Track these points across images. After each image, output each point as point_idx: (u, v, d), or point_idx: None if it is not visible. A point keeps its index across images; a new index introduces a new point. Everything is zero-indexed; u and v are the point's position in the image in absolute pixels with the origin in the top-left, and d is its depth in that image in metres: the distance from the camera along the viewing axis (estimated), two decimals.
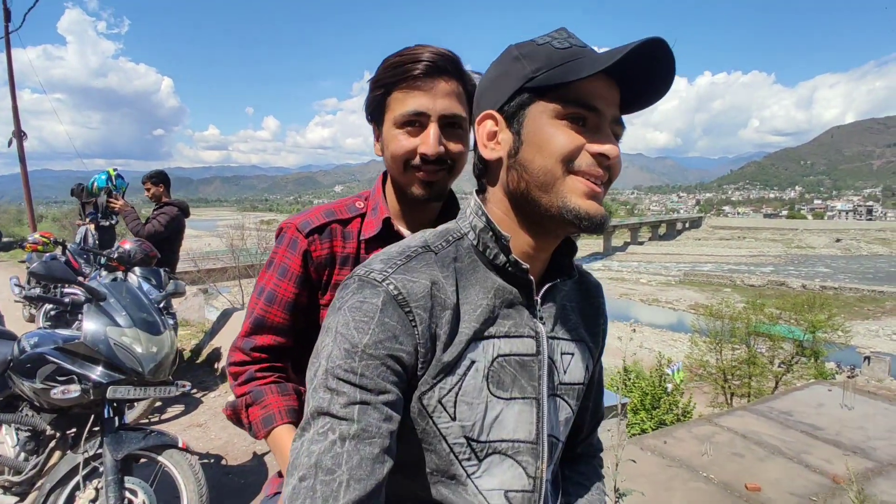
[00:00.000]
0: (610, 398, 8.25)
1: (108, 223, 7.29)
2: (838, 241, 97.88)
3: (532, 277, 0.72)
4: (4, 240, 5.09)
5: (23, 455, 2.32)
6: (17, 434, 2.37)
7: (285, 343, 1.03)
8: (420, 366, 0.65)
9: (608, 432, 7.02)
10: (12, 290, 6.63)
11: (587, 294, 0.86)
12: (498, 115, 0.71)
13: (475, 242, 0.73)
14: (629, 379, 12.55)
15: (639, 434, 9.46)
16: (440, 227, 0.77)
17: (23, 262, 7.12)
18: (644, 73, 0.64)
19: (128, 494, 2.15)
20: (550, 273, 0.77)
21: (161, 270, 4.14)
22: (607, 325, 0.89)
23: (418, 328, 0.64)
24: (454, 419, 0.66)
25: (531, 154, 0.67)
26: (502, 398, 0.69)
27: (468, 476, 0.68)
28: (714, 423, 4.48)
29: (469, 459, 0.68)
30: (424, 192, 0.96)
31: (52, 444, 2.28)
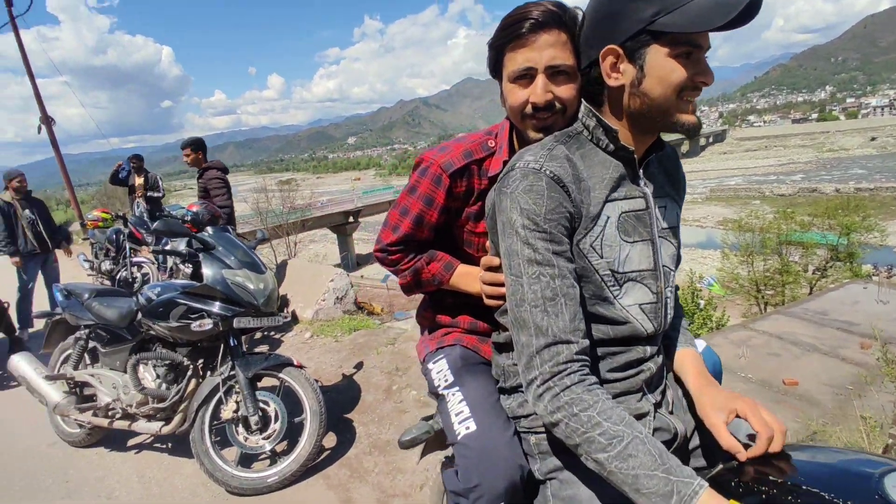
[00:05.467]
0: None
1: (157, 195, 7.74)
2: (873, 139, 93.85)
3: (636, 156, 1.00)
4: (60, 229, 5.64)
5: (164, 385, 2.76)
6: (154, 369, 2.81)
7: (426, 246, 1.35)
8: (575, 222, 0.94)
9: None
10: (81, 265, 7.17)
11: (668, 160, 1.12)
12: (619, 49, 0.90)
13: (589, 136, 1.00)
14: None
15: None
16: (556, 133, 1.04)
17: (86, 239, 7.61)
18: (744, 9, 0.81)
19: (261, 405, 2.60)
20: (646, 152, 1.04)
21: (229, 228, 4.52)
22: (685, 181, 1.17)
23: (571, 196, 0.92)
24: (602, 257, 0.95)
25: (652, 85, 0.89)
26: (628, 241, 0.98)
27: (614, 297, 0.98)
28: (749, 327, 4.59)
29: (613, 286, 0.97)
30: (540, 135, 1.09)
31: (189, 373, 2.71)
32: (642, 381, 1.01)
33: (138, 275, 6.55)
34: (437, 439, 1.53)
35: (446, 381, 1.28)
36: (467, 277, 1.29)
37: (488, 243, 1.16)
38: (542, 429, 1.07)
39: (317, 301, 4.97)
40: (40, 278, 5.63)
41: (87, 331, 3.01)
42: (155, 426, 2.75)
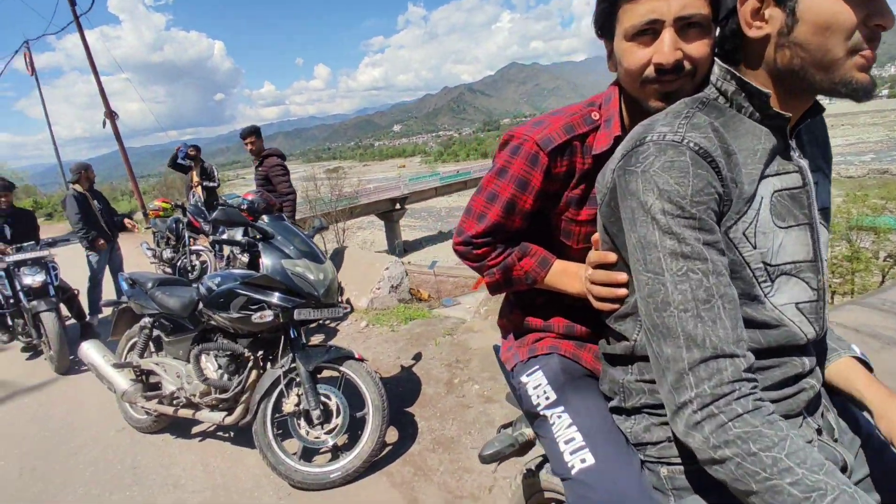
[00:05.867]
0: None
1: (212, 185, 7.89)
2: None
3: (790, 125, 0.80)
4: (115, 218, 5.80)
5: (225, 376, 2.74)
6: (216, 359, 2.79)
7: (516, 238, 1.15)
8: (724, 205, 0.75)
9: None
10: (144, 253, 7.42)
11: (816, 126, 0.92)
12: None
13: (727, 104, 0.81)
14: None
15: None
16: (685, 99, 0.85)
17: (148, 228, 7.86)
18: None
19: (322, 398, 2.52)
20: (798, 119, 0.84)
21: (284, 216, 4.51)
22: (832, 151, 0.97)
23: (721, 174, 0.74)
24: (755, 248, 0.77)
25: (808, 33, 0.71)
26: (782, 227, 0.79)
27: (765, 296, 0.79)
28: None
29: (765, 282, 0.79)
30: (663, 104, 0.88)
31: (250, 364, 2.68)
32: (803, 402, 0.82)
33: (196, 263, 6.70)
34: (517, 449, 1.39)
35: (547, 398, 1.09)
36: (566, 276, 1.10)
37: (596, 235, 0.98)
38: (677, 459, 0.88)
39: (371, 289, 4.92)
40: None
41: (151, 320, 3.03)
42: (218, 416, 2.74)
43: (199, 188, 7.76)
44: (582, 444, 0.97)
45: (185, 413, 2.85)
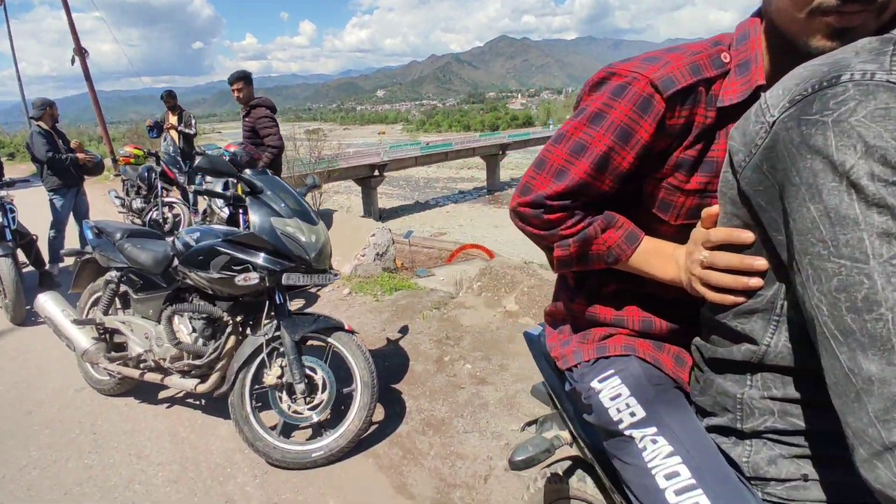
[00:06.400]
0: None
1: (190, 132, 7.45)
2: None
3: None
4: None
5: (200, 341, 2.50)
6: (190, 322, 2.55)
7: (598, 204, 0.92)
8: None
9: None
10: (112, 201, 6.99)
11: None
12: None
13: None
14: None
15: None
16: (870, 38, 0.63)
17: (117, 175, 7.40)
18: None
19: (307, 371, 2.32)
20: None
21: (268, 171, 4.20)
22: None
23: None
24: None
25: None
26: None
27: None
28: None
29: None
30: (833, 44, 0.67)
31: (228, 329, 2.45)
32: None
33: (169, 215, 6.34)
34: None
35: (632, 414, 0.88)
36: (657, 257, 0.88)
37: (713, 209, 0.75)
38: (811, 502, 0.69)
39: (356, 256, 4.68)
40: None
41: (118, 274, 2.75)
42: (189, 383, 2.51)
43: (174, 131, 7.32)
44: (691, 481, 0.77)
45: (153, 377, 2.62)
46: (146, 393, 2.91)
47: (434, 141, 54.36)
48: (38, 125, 4.94)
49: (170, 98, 7.42)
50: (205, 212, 5.82)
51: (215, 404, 2.69)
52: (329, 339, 2.37)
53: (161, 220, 6.25)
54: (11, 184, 4.54)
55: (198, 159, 2.25)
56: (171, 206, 6.40)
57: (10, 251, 4.12)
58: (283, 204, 2.33)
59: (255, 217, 2.24)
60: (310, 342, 2.41)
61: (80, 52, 13.37)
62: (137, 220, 6.48)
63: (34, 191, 5.12)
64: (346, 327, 2.40)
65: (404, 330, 3.49)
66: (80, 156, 5.10)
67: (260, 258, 2.23)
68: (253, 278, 2.19)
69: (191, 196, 7.26)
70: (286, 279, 2.24)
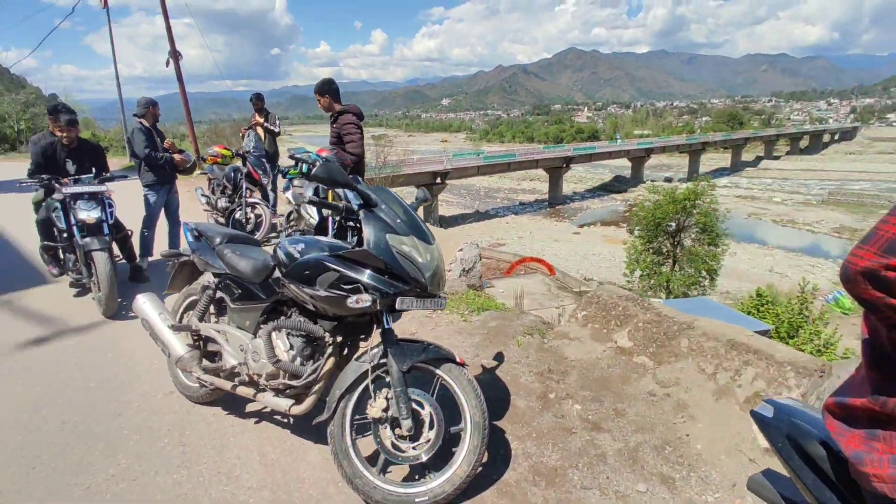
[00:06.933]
0: (752, 324, 7.35)
1: (275, 130, 7.57)
2: None
3: None
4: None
5: (298, 360, 2.33)
6: (288, 339, 2.39)
7: None
8: None
9: None
10: (199, 199, 7.16)
11: None
12: None
13: None
14: (762, 304, 11.28)
15: None
16: None
17: (203, 173, 7.59)
18: None
19: (413, 405, 2.11)
20: None
21: (358, 178, 4.09)
22: None
23: None
24: None
25: None
26: None
27: None
28: None
29: None
30: None
31: (329, 350, 2.28)
32: None
33: (252, 216, 6.40)
34: None
35: None
36: None
37: None
38: None
39: None
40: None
41: (216, 280, 2.66)
42: (284, 403, 2.35)
43: (261, 128, 7.47)
44: None
45: (245, 392, 2.49)
46: (233, 404, 2.80)
47: (496, 151, 54.00)
48: (140, 122, 5.08)
49: (258, 100, 7.59)
50: (290, 215, 5.81)
51: (303, 424, 2.53)
52: (438, 371, 2.14)
53: (244, 221, 6.32)
54: (111, 178, 4.66)
55: (316, 168, 2.09)
56: (253, 206, 6.47)
57: (107, 245, 4.20)
58: (398, 219, 2.13)
59: (369, 232, 2.05)
60: (412, 371, 2.20)
61: (175, 55, 14.09)
62: (221, 219, 6.60)
63: (126, 184, 5.25)
64: (458, 360, 2.17)
65: (499, 357, 3.23)
66: (177, 157, 5.21)
67: (372, 278, 2.03)
68: (366, 300, 1.99)
69: (271, 198, 7.34)
70: (400, 304, 2.03)
